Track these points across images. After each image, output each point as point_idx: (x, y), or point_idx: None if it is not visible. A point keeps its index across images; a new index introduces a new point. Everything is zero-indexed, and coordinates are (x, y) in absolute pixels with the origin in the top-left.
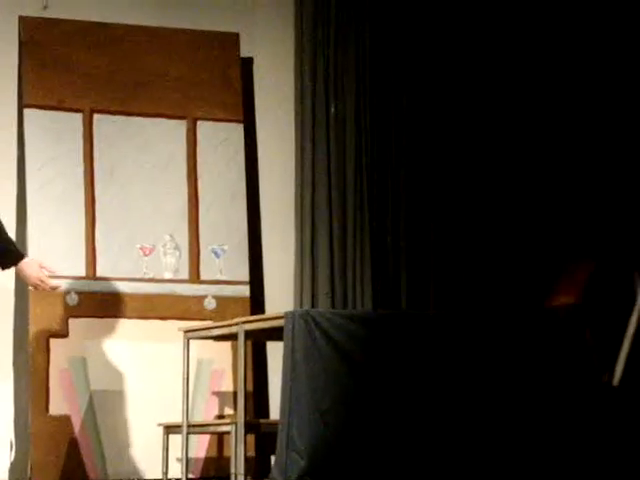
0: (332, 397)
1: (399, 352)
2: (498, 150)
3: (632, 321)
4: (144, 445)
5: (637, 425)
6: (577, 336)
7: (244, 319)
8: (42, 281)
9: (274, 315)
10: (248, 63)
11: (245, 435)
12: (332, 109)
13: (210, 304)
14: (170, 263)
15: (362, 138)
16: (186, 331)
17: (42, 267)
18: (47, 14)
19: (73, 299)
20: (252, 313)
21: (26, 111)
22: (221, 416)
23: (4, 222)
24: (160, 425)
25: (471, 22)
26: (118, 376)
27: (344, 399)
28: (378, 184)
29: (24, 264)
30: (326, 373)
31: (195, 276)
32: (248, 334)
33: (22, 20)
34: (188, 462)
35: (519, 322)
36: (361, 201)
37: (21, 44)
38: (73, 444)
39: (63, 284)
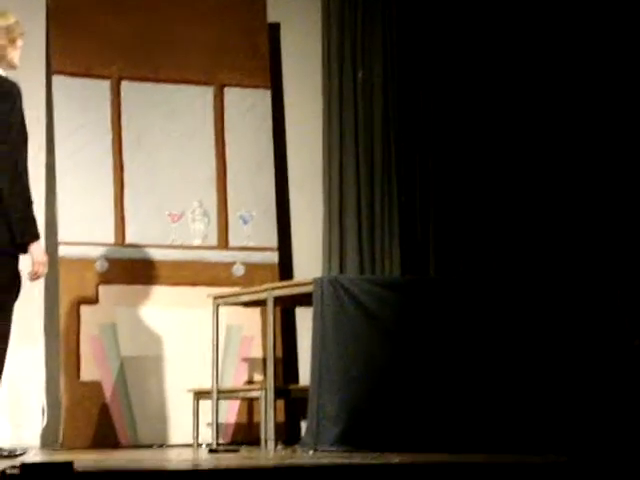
0: (362, 363)
1: (428, 317)
2: (528, 117)
3: None
4: (174, 411)
5: None
6: (608, 298)
7: (273, 285)
8: (43, 266)
9: (302, 281)
10: (275, 29)
11: (275, 401)
12: (359, 75)
13: (239, 270)
14: (198, 230)
15: (389, 104)
16: (215, 297)
17: (39, 262)
18: None
19: (103, 266)
20: (280, 279)
21: (54, 78)
22: (251, 382)
23: (35, 193)
24: (190, 391)
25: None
26: (148, 342)
27: (374, 364)
28: (406, 150)
29: (36, 246)
30: (355, 339)
31: (223, 243)
32: (277, 300)
33: None
34: (218, 427)
35: (545, 288)
36: (389, 167)
37: (48, 10)
38: (104, 410)
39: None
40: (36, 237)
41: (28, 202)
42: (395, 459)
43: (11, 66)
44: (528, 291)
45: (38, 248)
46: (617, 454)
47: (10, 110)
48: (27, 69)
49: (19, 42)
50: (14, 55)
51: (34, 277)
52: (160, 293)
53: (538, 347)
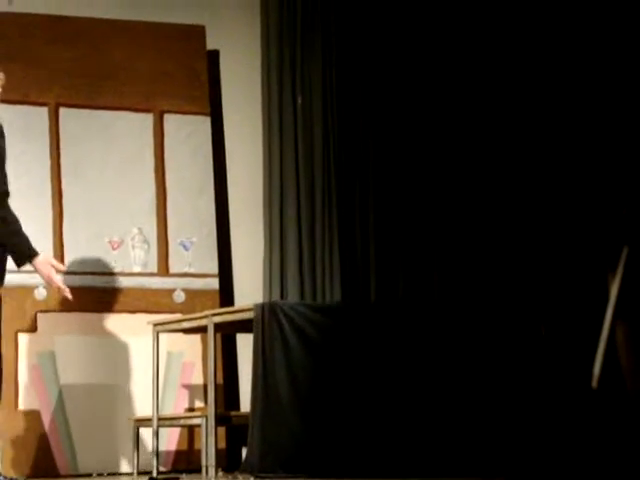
0: (303, 389)
1: (367, 342)
2: (467, 142)
3: (606, 323)
4: (115, 439)
5: (617, 426)
6: (532, 332)
7: (213, 311)
8: (51, 280)
9: (243, 307)
10: (214, 56)
11: (216, 428)
12: (299, 101)
13: (179, 297)
14: (139, 256)
15: (329, 130)
16: (155, 324)
17: (51, 265)
18: (12, 9)
19: (41, 294)
20: (221, 305)
21: None
22: (191, 409)
23: None
24: (131, 419)
25: (436, 12)
26: (88, 370)
27: (315, 391)
28: (346, 175)
29: (36, 263)
30: (296, 365)
31: (164, 269)
32: (217, 326)
33: None
34: (159, 455)
35: (483, 316)
36: (329, 192)
37: None
38: (43, 439)
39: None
40: (30, 257)
41: (12, 228)
42: None
43: None
44: (462, 312)
45: (38, 264)
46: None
47: None
48: None
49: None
50: None
51: (58, 286)
52: (100, 320)
53: (474, 367)
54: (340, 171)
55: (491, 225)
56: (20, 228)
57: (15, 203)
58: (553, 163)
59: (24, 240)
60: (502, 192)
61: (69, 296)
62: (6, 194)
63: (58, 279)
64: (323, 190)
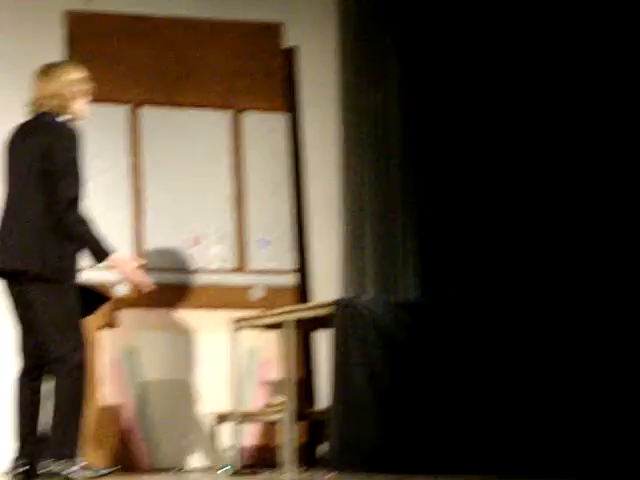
0: (380, 385)
1: (446, 338)
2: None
3: None
4: (194, 434)
5: None
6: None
7: (291, 308)
8: (131, 274)
9: (321, 304)
10: (292, 53)
11: (294, 424)
12: (376, 97)
13: (257, 294)
14: (217, 253)
15: (407, 125)
16: (234, 321)
17: (130, 260)
18: (91, 8)
19: (121, 290)
20: (299, 302)
21: None
22: (270, 405)
23: None
24: (210, 414)
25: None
26: (167, 366)
27: (392, 386)
28: (424, 171)
29: (112, 260)
30: (374, 361)
31: (242, 266)
32: (296, 323)
33: (67, 15)
34: (238, 451)
35: (568, 311)
36: (407, 188)
37: (66, 39)
38: (124, 434)
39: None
40: (100, 257)
41: (87, 227)
42: None
43: (79, 117)
44: (544, 307)
45: (116, 261)
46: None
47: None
48: None
49: (88, 96)
50: (83, 107)
51: (137, 287)
52: (179, 317)
53: (557, 364)
54: (418, 166)
55: (571, 221)
56: (94, 227)
57: (95, 201)
58: (606, 161)
59: (100, 239)
60: (576, 187)
61: (150, 288)
62: (77, 198)
63: (138, 273)
64: (401, 186)
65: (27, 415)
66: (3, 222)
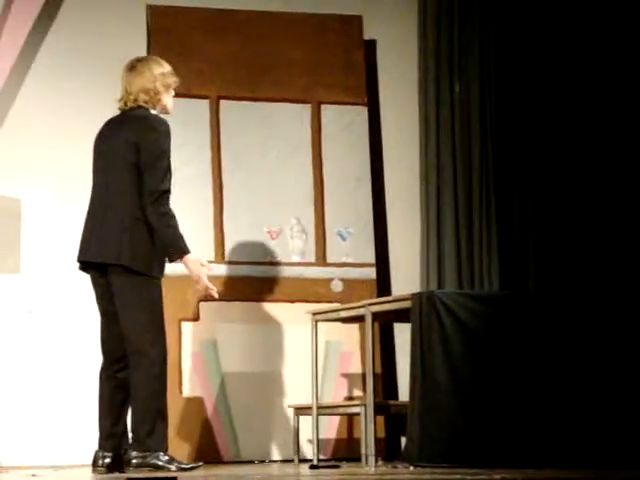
0: (460, 378)
1: (526, 331)
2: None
3: None
4: (275, 426)
5: None
6: None
7: (371, 301)
8: (200, 279)
9: (401, 297)
10: (371, 45)
11: (375, 417)
12: (456, 90)
13: (337, 286)
14: (297, 246)
15: (487, 119)
16: (314, 313)
17: (202, 265)
18: (173, 2)
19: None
20: (378, 295)
21: None
22: (350, 398)
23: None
24: (290, 407)
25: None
26: (248, 358)
27: (472, 380)
28: (504, 164)
29: (187, 260)
30: (454, 354)
31: (322, 259)
32: (375, 316)
33: (150, 9)
34: (319, 443)
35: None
36: (487, 181)
37: (149, 32)
38: (206, 425)
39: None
40: (175, 255)
41: (170, 223)
42: (496, 476)
43: (165, 111)
44: (628, 306)
45: (189, 262)
46: None
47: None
48: None
49: (172, 90)
50: (168, 101)
51: (204, 292)
52: (260, 309)
53: (633, 359)
54: (498, 160)
55: None
56: (177, 225)
57: (177, 194)
58: None
59: (179, 237)
60: None
61: (215, 295)
62: (167, 191)
63: (206, 280)
64: (481, 179)
65: (110, 408)
66: (91, 215)
